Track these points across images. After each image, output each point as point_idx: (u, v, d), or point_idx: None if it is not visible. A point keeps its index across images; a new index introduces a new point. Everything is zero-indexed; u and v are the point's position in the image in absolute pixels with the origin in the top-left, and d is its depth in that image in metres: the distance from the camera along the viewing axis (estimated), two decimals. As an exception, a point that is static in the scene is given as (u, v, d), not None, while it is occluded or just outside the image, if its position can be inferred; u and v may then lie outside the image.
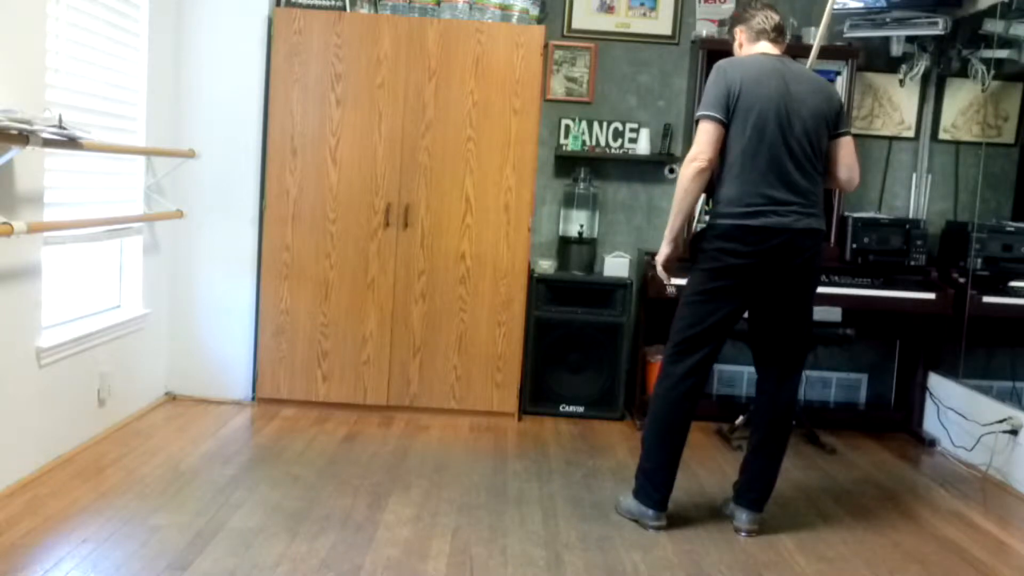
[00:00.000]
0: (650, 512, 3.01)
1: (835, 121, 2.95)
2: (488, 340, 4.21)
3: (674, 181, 4.42)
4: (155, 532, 2.72)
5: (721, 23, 4.41)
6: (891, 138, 4.71)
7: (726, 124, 2.86)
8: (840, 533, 3.09)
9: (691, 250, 3.03)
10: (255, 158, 4.16)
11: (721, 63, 2.94)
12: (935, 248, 4.51)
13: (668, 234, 2.97)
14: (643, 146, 4.58)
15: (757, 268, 2.88)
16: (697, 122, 2.91)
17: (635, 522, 3.04)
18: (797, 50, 4.33)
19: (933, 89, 4.66)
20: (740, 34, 3.06)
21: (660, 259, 3.02)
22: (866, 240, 4.26)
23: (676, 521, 3.07)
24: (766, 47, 2.98)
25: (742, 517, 3.03)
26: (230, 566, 2.52)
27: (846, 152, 2.98)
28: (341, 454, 3.60)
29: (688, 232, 3.10)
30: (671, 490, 3.04)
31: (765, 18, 2.99)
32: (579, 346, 4.38)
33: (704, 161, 2.84)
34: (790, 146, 2.85)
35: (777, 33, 3.00)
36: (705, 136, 2.86)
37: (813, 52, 3.31)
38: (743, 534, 3.01)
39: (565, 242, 4.51)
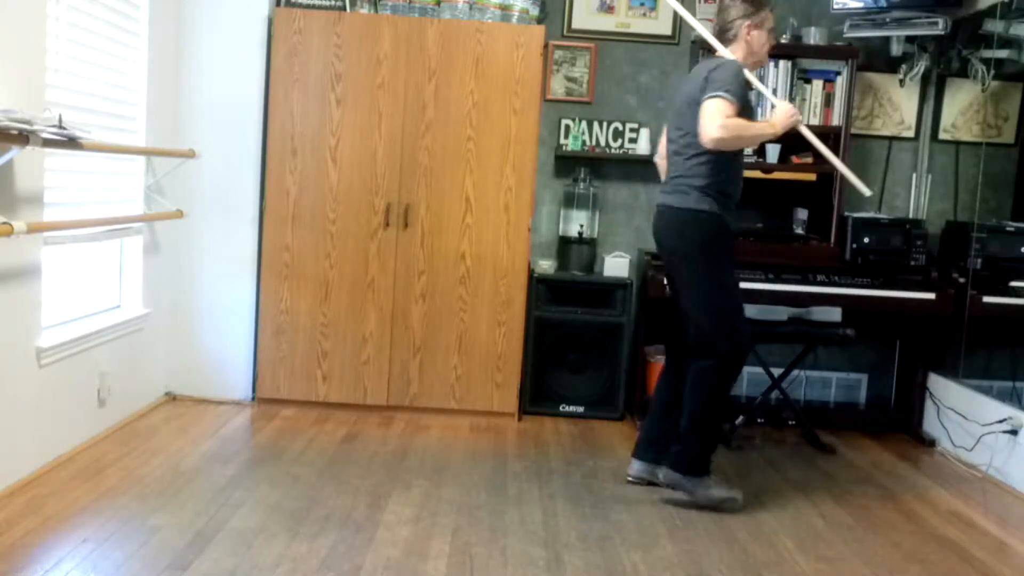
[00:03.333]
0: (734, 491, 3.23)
1: (700, 97, 3.08)
2: (488, 340, 4.21)
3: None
4: (155, 532, 2.72)
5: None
6: (891, 138, 4.71)
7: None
8: (840, 533, 3.09)
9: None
10: (255, 158, 4.16)
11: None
12: (935, 248, 4.50)
13: (768, 128, 3.16)
14: (643, 146, 4.58)
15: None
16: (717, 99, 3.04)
17: (714, 509, 3.17)
18: (797, 51, 4.36)
19: (933, 89, 4.66)
20: (751, 30, 3.26)
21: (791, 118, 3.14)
22: (866, 240, 4.26)
23: (676, 520, 3.08)
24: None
25: (635, 466, 3.42)
26: (230, 566, 2.52)
27: (699, 113, 3.06)
28: (341, 454, 3.60)
29: None
30: None
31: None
32: (579, 346, 4.38)
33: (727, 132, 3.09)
34: (671, 136, 3.30)
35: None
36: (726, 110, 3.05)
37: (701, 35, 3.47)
38: (630, 480, 3.40)
39: (565, 242, 4.51)
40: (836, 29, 4.43)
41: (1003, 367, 4.50)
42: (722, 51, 3.24)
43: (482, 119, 4.11)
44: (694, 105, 3.10)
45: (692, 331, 3.22)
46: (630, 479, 3.42)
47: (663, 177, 3.39)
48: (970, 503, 3.51)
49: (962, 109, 4.68)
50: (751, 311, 4.04)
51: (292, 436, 3.80)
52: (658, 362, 4.16)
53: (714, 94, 3.01)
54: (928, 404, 4.41)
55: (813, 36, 4.39)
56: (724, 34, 3.26)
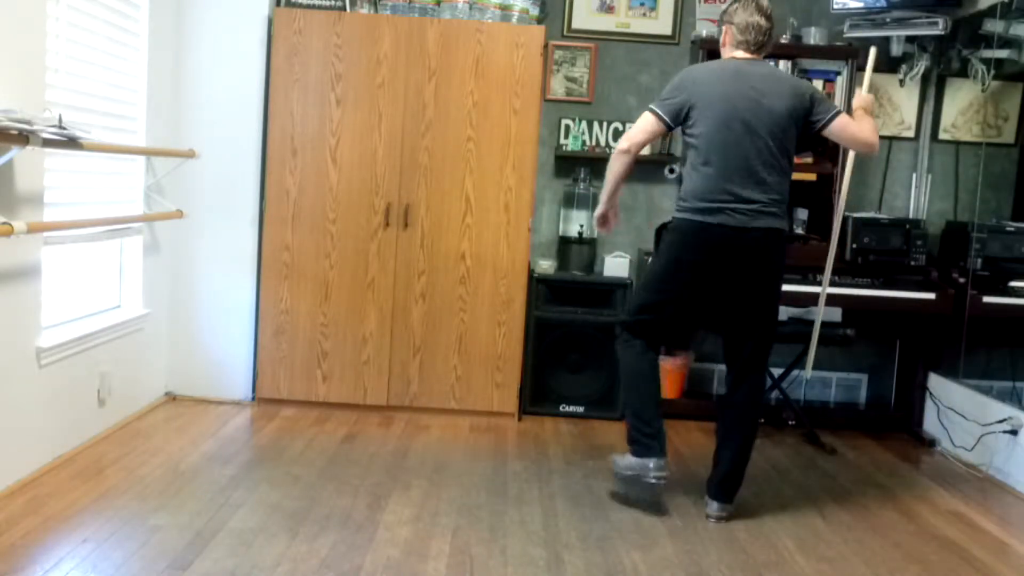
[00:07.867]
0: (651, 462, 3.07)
1: (810, 112, 3.04)
2: (488, 340, 4.21)
3: (674, 181, 4.46)
4: (155, 532, 2.72)
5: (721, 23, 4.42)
6: (891, 138, 4.71)
7: (669, 126, 3.06)
8: (840, 533, 3.09)
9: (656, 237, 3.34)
10: (255, 158, 4.16)
11: (691, 68, 3.14)
12: (935, 248, 4.51)
13: (603, 196, 3.27)
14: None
15: (710, 264, 3.04)
16: (647, 110, 3.10)
17: (636, 477, 3.10)
18: (797, 51, 4.36)
19: (933, 89, 4.66)
20: (726, 33, 3.14)
21: (597, 213, 3.33)
22: (866, 240, 4.26)
23: (676, 520, 3.08)
24: (741, 54, 3.09)
25: (712, 505, 3.14)
26: (230, 566, 2.53)
27: (844, 128, 3.08)
28: (341, 454, 3.60)
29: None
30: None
31: (747, 26, 3.05)
32: (579, 346, 4.38)
33: (628, 144, 3.08)
34: (756, 146, 2.98)
35: (756, 38, 3.06)
36: (642, 125, 3.08)
37: (864, 87, 3.43)
38: (711, 520, 3.11)
39: (565, 242, 4.51)
40: (836, 29, 4.44)
41: (1003, 367, 4.50)
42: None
43: (482, 119, 4.11)
44: (800, 121, 3.02)
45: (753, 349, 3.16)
46: None
47: (623, 171, 3.14)
48: (970, 503, 3.50)
49: (962, 109, 4.68)
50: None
51: (292, 436, 3.80)
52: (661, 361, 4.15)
53: (839, 111, 3.09)
54: (928, 404, 4.41)
55: (813, 36, 4.39)
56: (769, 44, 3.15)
